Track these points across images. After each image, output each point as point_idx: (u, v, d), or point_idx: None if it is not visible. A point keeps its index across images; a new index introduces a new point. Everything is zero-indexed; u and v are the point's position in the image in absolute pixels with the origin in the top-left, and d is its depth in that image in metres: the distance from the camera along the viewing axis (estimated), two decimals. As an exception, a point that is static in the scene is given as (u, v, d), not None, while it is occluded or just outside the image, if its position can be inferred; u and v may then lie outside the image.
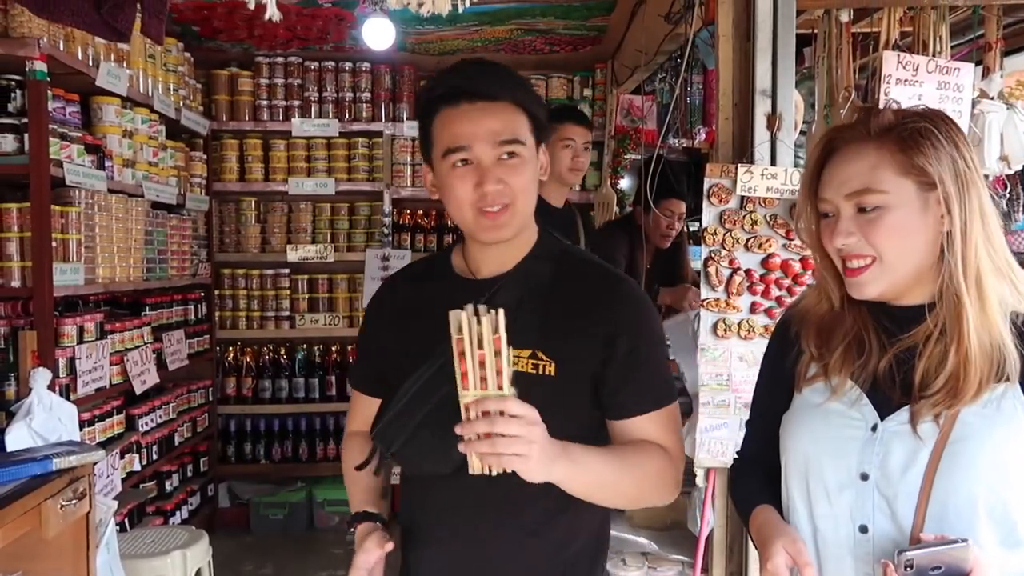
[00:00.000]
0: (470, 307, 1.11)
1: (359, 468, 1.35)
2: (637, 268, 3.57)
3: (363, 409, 1.49)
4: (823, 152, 1.22)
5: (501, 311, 1.09)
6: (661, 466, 1.32)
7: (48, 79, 2.67)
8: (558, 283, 1.34)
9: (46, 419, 2.42)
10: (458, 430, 1.10)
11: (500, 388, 1.09)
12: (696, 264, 3.44)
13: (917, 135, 1.14)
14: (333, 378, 4.72)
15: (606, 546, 1.46)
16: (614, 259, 3.55)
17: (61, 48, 2.76)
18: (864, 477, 1.17)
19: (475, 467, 1.11)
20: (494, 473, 1.11)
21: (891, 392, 1.17)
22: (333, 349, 4.77)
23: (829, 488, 1.20)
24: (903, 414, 1.16)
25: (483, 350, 1.08)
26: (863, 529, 1.17)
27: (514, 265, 1.36)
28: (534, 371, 1.29)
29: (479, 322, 1.09)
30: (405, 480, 1.44)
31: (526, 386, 1.22)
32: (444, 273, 1.42)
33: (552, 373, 1.29)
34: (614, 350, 1.31)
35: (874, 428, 1.18)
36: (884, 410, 1.18)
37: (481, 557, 1.35)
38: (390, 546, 1.31)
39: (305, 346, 4.77)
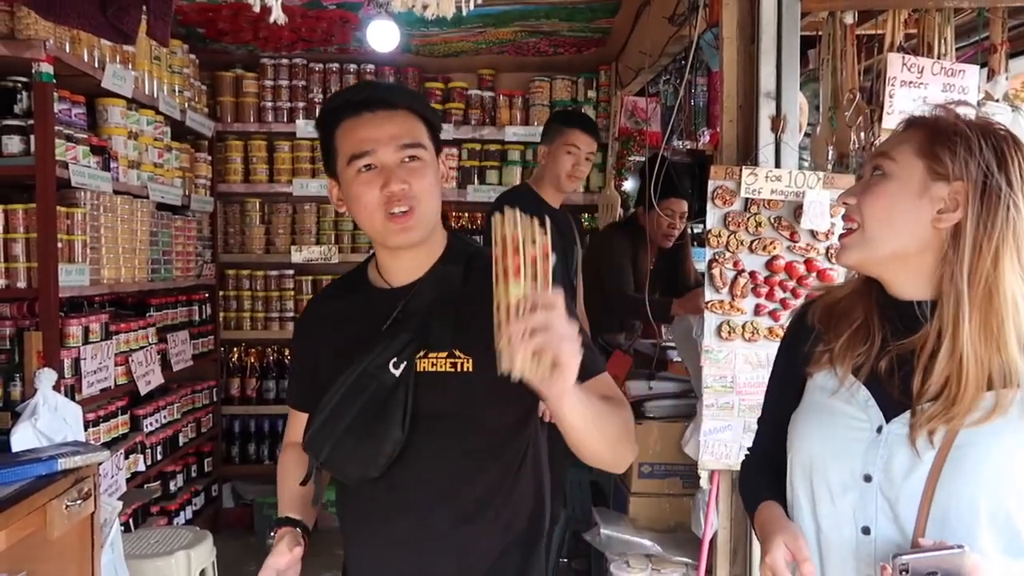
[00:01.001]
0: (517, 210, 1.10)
1: (303, 483, 1.39)
2: (641, 270, 3.57)
3: (296, 423, 1.52)
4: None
5: (547, 221, 1.09)
6: (628, 415, 1.34)
7: (54, 81, 2.68)
8: (470, 284, 1.36)
9: (51, 419, 2.43)
10: (510, 327, 1.05)
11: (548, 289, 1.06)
12: (700, 266, 3.44)
13: (952, 132, 1.16)
14: (337, 379, 4.72)
15: (540, 536, 1.46)
16: (619, 263, 3.54)
17: (67, 50, 2.77)
18: (867, 479, 1.17)
19: (517, 367, 1.04)
20: (527, 374, 1.05)
21: (895, 393, 1.17)
22: (337, 350, 4.77)
23: (833, 489, 1.20)
24: (907, 417, 1.16)
25: (535, 251, 1.05)
26: (866, 530, 1.17)
27: (426, 271, 1.39)
28: (452, 369, 1.32)
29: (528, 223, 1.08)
30: (340, 486, 1.46)
31: (444, 385, 1.30)
32: (360, 286, 1.45)
33: (470, 368, 1.32)
34: None
35: (879, 430, 1.18)
36: (889, 412, 1.18)
37: (415, 556, 1.37)
38: (299, 551, 1.33)
39: (309, 347, 4.77)
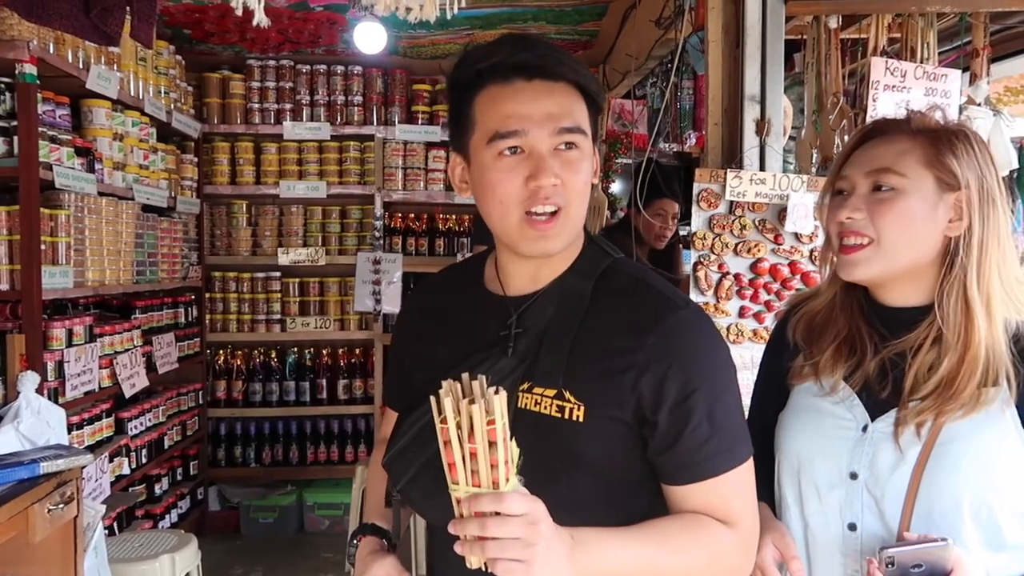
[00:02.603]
0: (459, 384, 0.93)
1: (387, 504, 1.20)
2: None
3: (388, 421, 1.35)
4: (861, 138, 1.26)
5: (502, 394, 0.90)
6: (719, 550, 1.07)
7: (38, 82, 2.66)
8: (597, 306, 1.11)
9: (34, 423, 2.41)
10: (450, 529, 0.94)
11: (495, 484, 0.91)
12: (686, 268, 3.45)
13: (953, 137, 1.18)
14: (324, 381, 4.71)
15: None
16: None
17: (51, 51, 2.76)
18: (853, 476, 1.19)
19: (472, 563, 0.94)
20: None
21: (882, 393, 1.19)
22: (324, 352, 4.77)
23: (820, 487, 1.22)
24: (892, 416, 1.18)
25: (474, 442, 0.89)
26: (852, 527, 1.19)
27: (550, 282, 1.15)
28: (559, 415, 1.08)
29: (473, 399, 0.90)
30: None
31: (547, 432, 1.07)
32: (473, 285, 1.23)
33: (580, 418, 1.07)
34: (661, 395, 1.06)
35: (864, 429, 1.20)
36: (875, 411, 1.20)
37: None
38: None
39: (296, 349, 4.76)
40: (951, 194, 1.16)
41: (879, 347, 1.21)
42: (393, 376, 1.35)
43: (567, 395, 1.08)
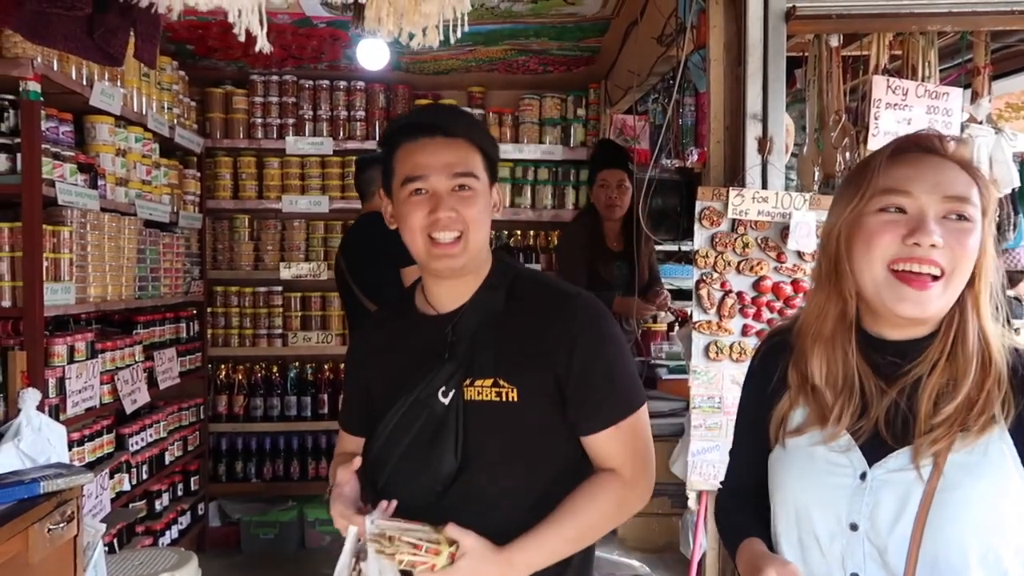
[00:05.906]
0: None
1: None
2: (604, 252, 3.78)
3: (348, 444, 1.60)
4: (896, 150, 1.16)
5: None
6: (615, 497, 1.37)
7: (41, 99, 2.67)
8: (511, 310, 1.41)
9: (35, 440, 2.41)
10: None
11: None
12: (687, 283, 3.46)
13: (979, 172, 1.15)
14: (325, 396, 4.70)
15: (590, 566, 1.49)
16: (570, 253, 3.87)
17: (55, 68, 2.77)
18: (854, 527, 1.14)
19: None
20: None
21: (883, 436, 1.14)
22: (325, 367, 4.76)
23: (820, 538, 1.17)
24: (891, 460, 1.13)
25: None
26: None
27: (470, 296, 1.43)
28: (498, 398, 1.36)
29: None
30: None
31: (492, 414, 1.35)
32: (408, 311, 1.51)
33: (515, 399, 1.35)
34: (569, 368, 1.36)
35: (863, 476, 1.15)
36: (873, 456, 1.14)
37: None
38: (357, 462, 1.40)
39: (297, 364, 4.76)
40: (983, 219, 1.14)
41: (884, 390, 1.15)
42: (348, 404, 1.62)
43: (501, 381, 1.36)
